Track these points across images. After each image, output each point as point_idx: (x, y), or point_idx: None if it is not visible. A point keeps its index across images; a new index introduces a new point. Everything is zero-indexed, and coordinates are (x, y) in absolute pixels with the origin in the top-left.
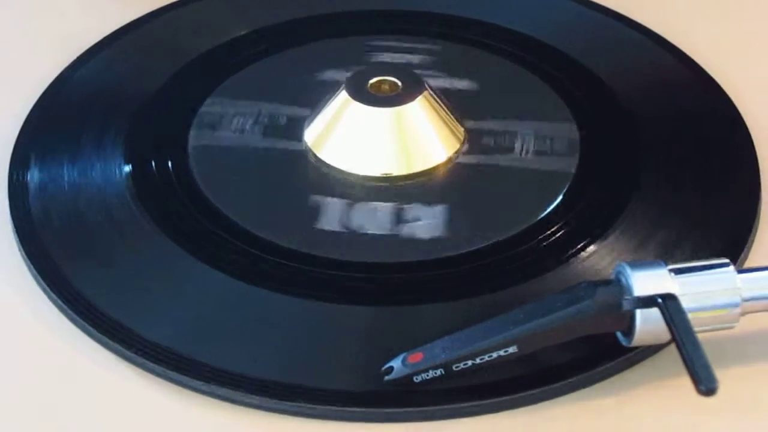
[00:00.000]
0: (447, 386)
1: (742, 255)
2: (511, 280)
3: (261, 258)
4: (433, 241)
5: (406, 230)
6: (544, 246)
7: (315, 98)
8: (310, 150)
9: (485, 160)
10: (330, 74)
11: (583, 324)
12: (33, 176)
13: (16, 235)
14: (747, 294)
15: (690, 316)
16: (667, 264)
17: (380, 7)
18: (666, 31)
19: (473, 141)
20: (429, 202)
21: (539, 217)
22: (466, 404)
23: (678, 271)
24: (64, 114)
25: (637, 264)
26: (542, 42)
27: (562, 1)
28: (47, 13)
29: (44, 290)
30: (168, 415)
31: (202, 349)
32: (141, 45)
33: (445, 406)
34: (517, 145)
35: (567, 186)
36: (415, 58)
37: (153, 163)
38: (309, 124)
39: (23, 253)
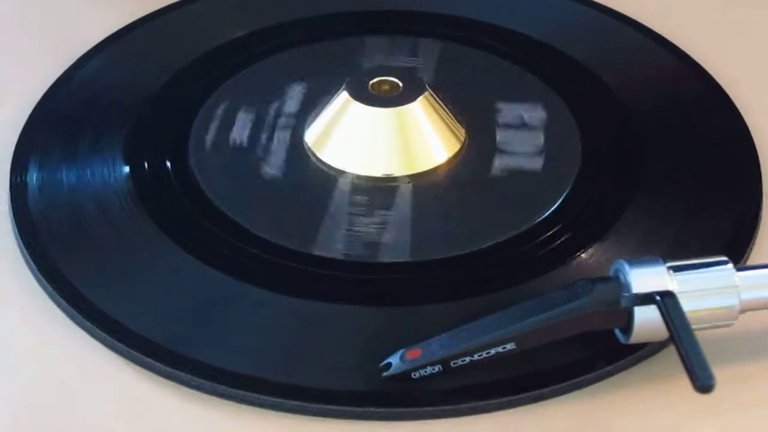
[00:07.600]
0: (446, 386)
1: (745, 255)
2: (511, 281)
3: (261, 258)
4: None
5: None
6: (545, 247)
7: (315, 98)
8: (311, 150)
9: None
10: (329, 74)
11: (581, 321)
12: (34, 177)
13: (17, 235)
14: (745, 292)
15: (688, 313)
16: (665, 261)
17: (378, 8)
18: (667, 30)
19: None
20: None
21: (540, 218)
22: (465, 404)
23: (676, 269)
24: (65, 115)
25: (636, 261)
26: (542, 42)
27: (564, 1)
28: (48, 15)
29: (45, 290)
30: (169, 413)
31: (202, 348)
32: (141, 46)
33: (445, 406)
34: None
35: (568, 187)
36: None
37: (153, 164)
38: (310, 125)
39: (24, 253)
